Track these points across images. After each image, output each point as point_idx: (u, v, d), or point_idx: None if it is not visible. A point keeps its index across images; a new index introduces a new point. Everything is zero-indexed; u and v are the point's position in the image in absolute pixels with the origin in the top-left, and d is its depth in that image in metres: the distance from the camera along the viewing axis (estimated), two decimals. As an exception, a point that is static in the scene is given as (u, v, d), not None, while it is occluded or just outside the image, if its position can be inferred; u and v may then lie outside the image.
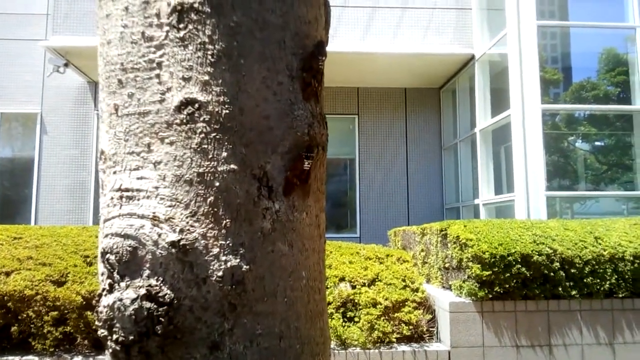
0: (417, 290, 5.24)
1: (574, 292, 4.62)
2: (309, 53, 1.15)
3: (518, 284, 4.56)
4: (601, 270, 4.70)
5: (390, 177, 10.36)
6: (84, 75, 9.71)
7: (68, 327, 4.50)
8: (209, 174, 1.03)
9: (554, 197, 7.61)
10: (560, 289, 4.62)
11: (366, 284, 5.25)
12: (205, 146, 1.03)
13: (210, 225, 1.01)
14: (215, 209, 1.03)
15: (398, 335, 4.83)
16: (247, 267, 1.03)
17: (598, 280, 4.68)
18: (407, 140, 10.50)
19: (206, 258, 1.00)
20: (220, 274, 1.00)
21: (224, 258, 1.01)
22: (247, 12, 1.09)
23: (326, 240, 4.85)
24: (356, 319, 4.94)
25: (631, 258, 4.73)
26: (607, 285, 4.67)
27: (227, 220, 1.03)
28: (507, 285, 4.55)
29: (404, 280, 5.35)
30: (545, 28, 8.05)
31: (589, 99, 8.52)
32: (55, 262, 4.92)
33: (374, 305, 4.99)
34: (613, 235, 4.99)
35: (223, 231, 1.02)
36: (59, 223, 9.04)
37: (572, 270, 4.65)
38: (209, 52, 1.05)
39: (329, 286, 5.15)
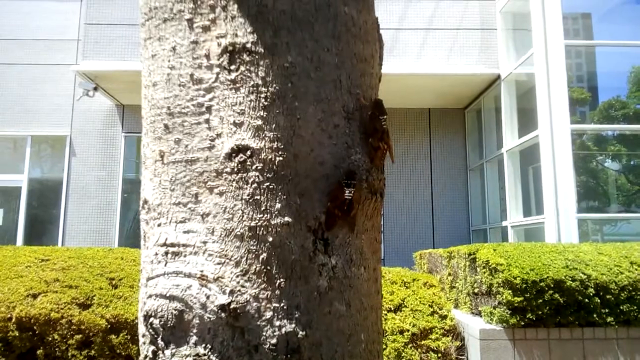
0: (445, 316, 5.10)
1: (610, 319, 4.43)
2: (368, 115, 1.06)
3: (551, 310, 4.39)
4: (638, 297, 4.51)
5: (414, 198, 10.18)
6: (112, 99, 9.80)
7: (92, 351, 4.45)
8: (262, 228, 0.93)
9: (585, 219, 7.38)
10: (595, 315, 4.43)
11: (392, 310, 5.12)
12: (258, 197, 0.94)
13: (263, 286, 0.92)
14: (269, 267, 0.93)
15: None
16: (303, 332, 0.93)
17: (635, 307, 4.49)
18: (431, 161, 10.34)
19: (258, 323, 0.90)
20: (274, 341, 0.90)
21: (277, 323, 0.91)
22: (302, 51, 1.00)
23: None
24: (382, 346, 4.83)
25: (669, 284, 4.55)
26: (645, 313, 4.50)
27: (281, 280, 0.93)
28: (540, 312, 4.38)
29: (431, 306, 5.22)
30: (572, 47, 7.93)
31: (618, 118, 8.33)
32: (81, 285, 4.89)
33: (401, 332, 4.87)
34: (649, 259, 4.83)
35: (277, 292, 0.93)
36: (86, 243, 9.06)
37: (608, 297, 4.46)
38: (262, 95, 0.97)
39: None
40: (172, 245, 0.95)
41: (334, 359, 0.95)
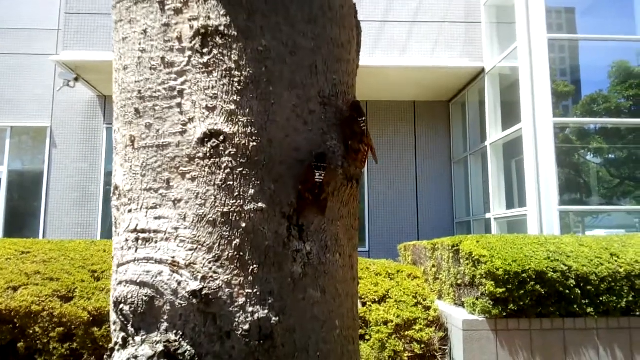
0: (429, 307, 5.13)
1: (590, 310, 4.47)
2: (346, 118, 1.04)
3: (533, 301, 4.42)
4: (618, 288, 4.55)
5: (399, 190, 10.21)
6: (93, 89, 9.66)
7: (75, 344, 4.41)
8: (235, 214, 0.92)
9: (567, 211, 7.44)
10: (576, 306, 4.47)
11: (377, 301, 5.14)
12: (231, 183, 0.93)
13: (236, 272, 0.90)
14: (242, 253, 0.92)
15: (410, 354, 4.72)
16: (277, 318, 0.92)
17: (614, 298, 4.52)
18: (416, 154, 10.37)
19: (231, 309, 0.89)
20: (246, 327, 0.89)
21: (250, 309, 0.90)
22: (277, 35, 0.99)
23: None
24: (367, 337, 4.83)
25: (648, 275, 4.61)
26: (624, 303, 4.51)
27: (255, 266, 0.92)
28: (522, 303, 4.40)
29: (415, 297, 5.24)
30: (555, 41, 7.97)
31: (600, 112, 8.40)
32: (63, 277, 4.83)
33: (385, 323, 4.89)
34: (629, 251, 4.85)
35: (250, 278, 0.92)
36: (68, 236, 8.94)
37: (588, 288, 4.49)
38: (236, 79, 0.95)
39: None
40: (143, 231, 0.94)
41: (307, 345, 0.94)
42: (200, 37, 0.96)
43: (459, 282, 5.10)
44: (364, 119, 1.10)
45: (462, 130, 10.19)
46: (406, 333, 4.86)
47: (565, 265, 4.53)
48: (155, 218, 0.94)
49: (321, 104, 1.03)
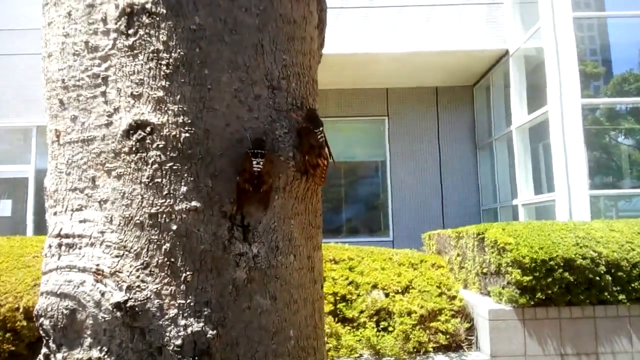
0: (454, 297, 5.08)
1: (621, 297, 4.36)
2: (301, 128, 0.92)
3: (561, 289, 4.32)
4: (651, 274, 4.42)
5: (423, 178, 10.03)
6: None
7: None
8: (164, 215, 0.81)
9: (597, 195, 7.20)
10: (606, 294, 4.36)
11: (400, 292, 5.10)
12: (159, 180, 0.82)
13: (166, 280, 0.80)
14: (173, 259, 0.81)
15: (435, 345, 4.68)
16: (214, 332, 0.81)
17: (647, 285, 4.40)
18: (439, 140, 10.15)
19: (161, 322, 0.78)
20: (178, 342, 0.78)
21: (183, 322, 0.79)
22: (213, 11, 0.87)
23: (358, 246, 4.61)
24: (390, 328, 4.81)
25: (683, 260, 4.44)
26: (658, 290, 4.40)
27: (188, 273, 0.81)
28: (550, 291, 4.31)
29: (439, 287, 5.19)
30: (582, 20, 7.67)
31: (631, 91, 8.08)
32: None
33: (409, 314, 4.85)
34: (663, 236, 4.70)
35: (182, 287, 0.81)
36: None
37: (619, 274, 4.37)
38: (164, 62, 0.84)
39: (360, 294, 5.04)
40: (67, 236, 0.84)
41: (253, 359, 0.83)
42: (125, 16, 0.86)
43: (485, 270, 5.08)
44: (321, 129, 0.97)
45: (487, 115, 9.95)
46: (431, 324, 4.86)
47: (595, 252, 4.43)
48: (80, 221, 0.84)
49: (269, 87, 0.91)
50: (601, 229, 4.86)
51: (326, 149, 0.97)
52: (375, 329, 4.80)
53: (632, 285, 4.38)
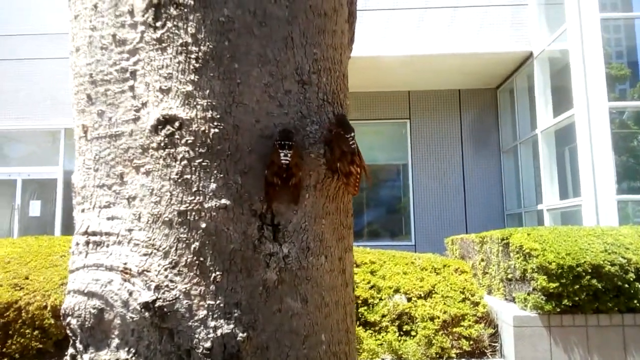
0: (477, 303, 5.01)
1: None
2: (332, 135, 0.88)
3: (589, 296, 4.24)
4: (682, 281, 4.32)
5: (445, 182, 9.95)
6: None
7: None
8: (193, 213, 0.79)
9: (625, 200, 7.05)
10: (636, 301, 4.27)
11: (422, 296, 5.06)
12: (188, 176, 0.80)
13: (196, 280, 0.77)
14: (202, 258, 0.78)
15: (458, 351, 4.63)
16: (245, 334, 0.78)
17: (678, 293, 4.30)
18: (462, 144, 10.07)
19: (190, 323, 0.76)
20: (208, 345, 0.75)
21: (212, 323, 0.77)
22: (242, 2, 0.84)
23: (379, 250, 4.55)
24: (412, 333, 4.77)
25: None
26: (689, 298, 4.30)
27: (217, 273, 0.78)
28: (577, 298, 4.23)
29: (462, 293, 5.14)
30: (609, 21, 7.53)
31: (660, 94, 7.93)
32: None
33: (431, 319, 4.82)
34: (695, 242, 4.59)
35: (212, 287, 0.78)
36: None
37: None
38: (193, 56, 0.82)
39: (382, 298, 5.01)
40: (94, 234, 0.82)
41: None
42: (153, 8, 0.84)
43: (509, 276, 5.02)
44: (352, 134, 0.92)
45: (511, 118, 9.84)
46: (454, 329, 4.81)
47: (624, 258, 4.36)
48: (108, 219, 0.82)
49: (299, 82, 0.88)
50: (630, 235, 4.77)
51: (358, 157, 0.93)
52: (397, 334, 4.77)
53: (663, 293, 4.27)
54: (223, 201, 0.80)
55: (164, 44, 0.83)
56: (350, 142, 0.91)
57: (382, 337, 4.66)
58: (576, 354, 4.29)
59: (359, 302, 4.95)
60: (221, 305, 0.78)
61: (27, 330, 4.60)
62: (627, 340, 4.29)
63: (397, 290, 5.15)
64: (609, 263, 4.26)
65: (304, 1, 0.89)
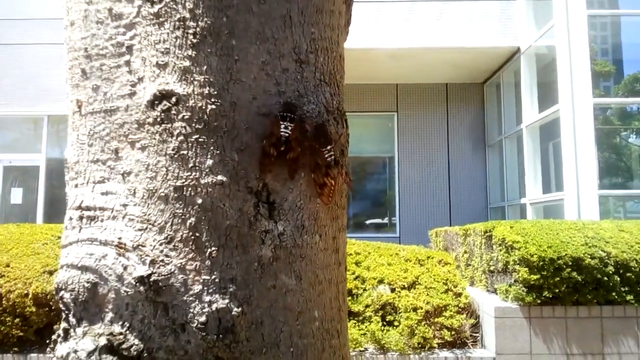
0: (459, 294, 5.05)
1: (629, 298, 4.34)
2: (307, 147, 0.87)
3: (569, 288, 4.30)
4: (660, 275, 4.42)
5: (431, 175, 10.04)
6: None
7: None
8: (190, 188, 0.79)
9: (606, 195, 7.19)
10: (614, 294, 4.34)
11: (406, 287, 5.09)
12: (185, 152, 0.80)
13: (191, 255, 0.77)
14: (197, 234, 0.79)
15: (439, 341, 4.66)
16: (239, 309, 0.78)
17: (656, 286, 4.39)
18: (448, 138, 10.14)
19: (185, 298, 0.76)
20: (203, 319, 0.76)
21: (208, 298, 0.77)
22: None
23: (365, 241, 4.55)
24: (396, 323, 4.80)
25: (691, 261, 4.42)
26: (666, 291, 4.38)
27: (213, 249, 0.79)
28: (557, 290, 4.29)
29: (445, 284, 5.18)
30: (596, 18, 7.63)
31: (644, 91, 8.07)
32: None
33: (414, 309, 4.84)
34: (673, 237, 4.68)
35: (207, 262, 0.78)
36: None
37: (628, 275, 4.36)
38: (190, 31, 0.82)
39: (366, 288, 5.03)
40: (88, 208, 0.82)
41: (278, 340, 0.81)
42: (152, -17, 0.83)
43: (492, 268, 5.08)
44: (329, 147, 0.91)
45: (497, 113, 9.93)
46: (436, 320, 4.83)
47: (604, 252, 4.42)
48: (102, 194, 0.81)
49: (297, 61, 0.88)
50: (610, 229, 4.85)
51: (337, 169, 0.92)
52: (381, 324, 4.79)
53: (641, 286, 4.35)
54: (219, 177, 0.80)
55: (161, 19, 0.83)
56: (326, 155, 0.90)
57: (366, 327, 4.68)
58: (555, 345, 4.35)
59: (344, 292, 4.96)
60: (216, 280, 0.79)
61: (8, 318, 4.56)
62: (604, 332, 4.37)
63: (381, 281, 5.18)
64: (589, 256, 4.33)
65: None
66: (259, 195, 0.82)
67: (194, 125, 0.81)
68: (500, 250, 4.71)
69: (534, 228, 4.74)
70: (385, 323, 4.81)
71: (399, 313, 4.83)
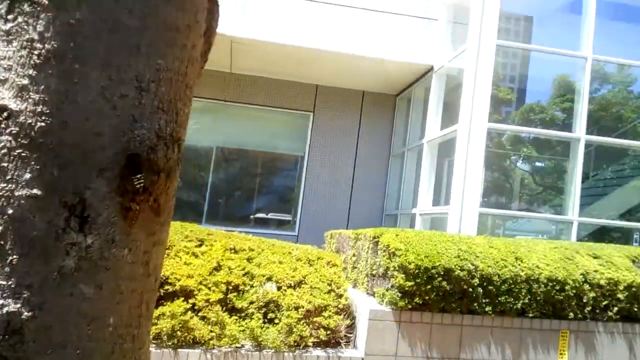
0: (341, 295, 5.14)
1: (488, 309, 4.64)
2: (119, 173, 0.96)
3: (438, 296, 4.53)
4: (516, 290, 4.73)
5: (336, 178, 10.20)
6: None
7: None
8: (2, 199, 0.86)
9: (486, 214, 7.61)
10: (476, 304, 4.63)
11: (292, 286, 5.10)
12: (5, 164, 0.86)
13: (-8, 262, 0.85)
14: (2, 242, 0.86)
15: (315, 340, 4.70)
16: (30, 314, 0.87)
17: (512, 299, 4.70)
18: (358, 144, 10.36)
19: (-23, 302, 0.84)
20: (-7, 321, 0.84)
21: (0, 302, 0.85)
22: (96, 9, 0.92)
23: (261, 237, 4.54)
24: (276, 321, 4.79)
25: (545, 280, 4.80)
26: (520, 305, 4.72)
27: (15, 257, 0.86)
28: (427, 297, 4.51)
29: (329, 285, 5.24)
30: (506, 48, 7.98)
31: (535, 121, 8.59)
32: None
33: (296, 308, 4.86)
34: (533, 256, 5.03)
35: (7, 269, 0.86)
36: None
37: (490, 287, 4.66)
38: (36, 52, 0.89)
39: (254, 285, 4.99)
40: None
41: (66, 342, 0.91)
42: (8, 1, 0.91)
43: (374, 272, 5.15)
44: (139, 176, 1.00)
45: (404, 126, 10.23)
46: (315, 319, 4.83)
47: (473, 265, 4.68)
48: None
49: (137, 88, 0.97)
50: (482, 244, 5.10)
51: (144, 195, 1.01)
52: (262, 321, 4.74)
53: (499, 299, 4.67)
54: (35, 191, 0.88)
55: (10, 37, 0.89)
56: (135, 183, 1.00)
57: (246, 323, 4.63)
58: (418, 348, 4.55)
59: (230, 288, 4.87)
60: (12, 286, 0.87)
61: None
62: (463, 338, 4.62)
63: (269, 279, 5.12)
64: (459, 268, 4.55)
65: (158, 16, 0.98)
66: (72, 210, 0.90)
67: (19, 140, 0.88)
68: (384, 256, 4.85)
69: (416, 238, 4.93)
70: (266, 320, 4.77)
71: (282, 311, 4.80)
